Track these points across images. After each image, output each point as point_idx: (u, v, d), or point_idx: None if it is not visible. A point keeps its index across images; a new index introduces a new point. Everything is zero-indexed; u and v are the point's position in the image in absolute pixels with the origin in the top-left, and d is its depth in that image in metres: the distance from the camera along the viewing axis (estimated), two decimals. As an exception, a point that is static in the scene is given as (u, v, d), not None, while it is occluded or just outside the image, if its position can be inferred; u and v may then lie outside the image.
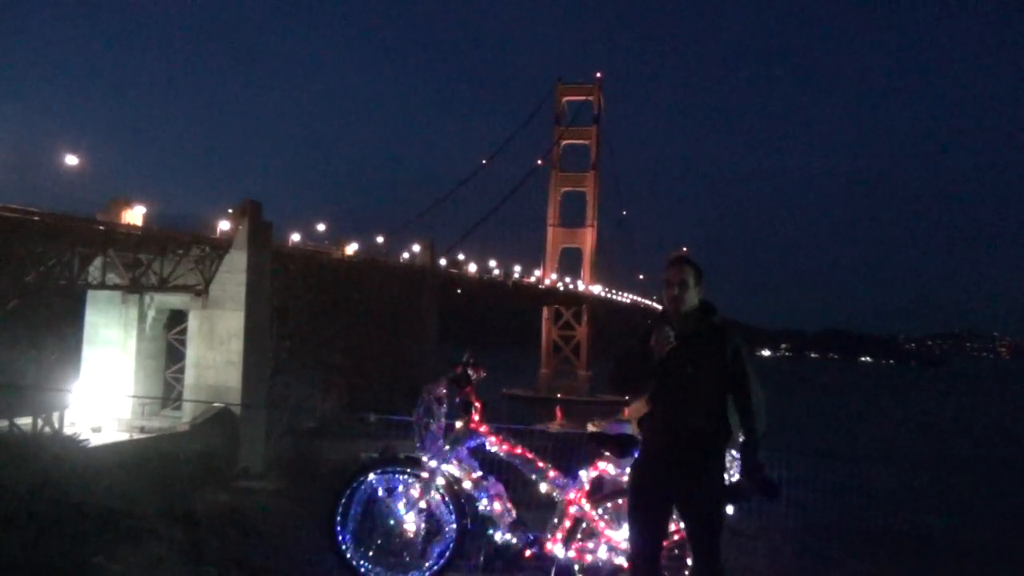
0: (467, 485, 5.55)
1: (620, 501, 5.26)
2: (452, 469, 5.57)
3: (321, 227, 62.03)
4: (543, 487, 5.51)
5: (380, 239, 69.03)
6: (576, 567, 5.41)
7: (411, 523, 5.53)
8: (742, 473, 4.51)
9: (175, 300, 42.39)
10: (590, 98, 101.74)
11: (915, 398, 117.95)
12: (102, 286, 39.46)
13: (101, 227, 38.58)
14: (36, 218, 35.15)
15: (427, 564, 5.51)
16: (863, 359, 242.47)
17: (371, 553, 5.55)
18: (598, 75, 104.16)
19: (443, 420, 5.58)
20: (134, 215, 41.97)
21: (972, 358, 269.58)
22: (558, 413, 79.85)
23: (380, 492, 5.60)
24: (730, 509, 4.76)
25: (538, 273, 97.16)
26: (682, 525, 4.86)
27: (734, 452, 4.67)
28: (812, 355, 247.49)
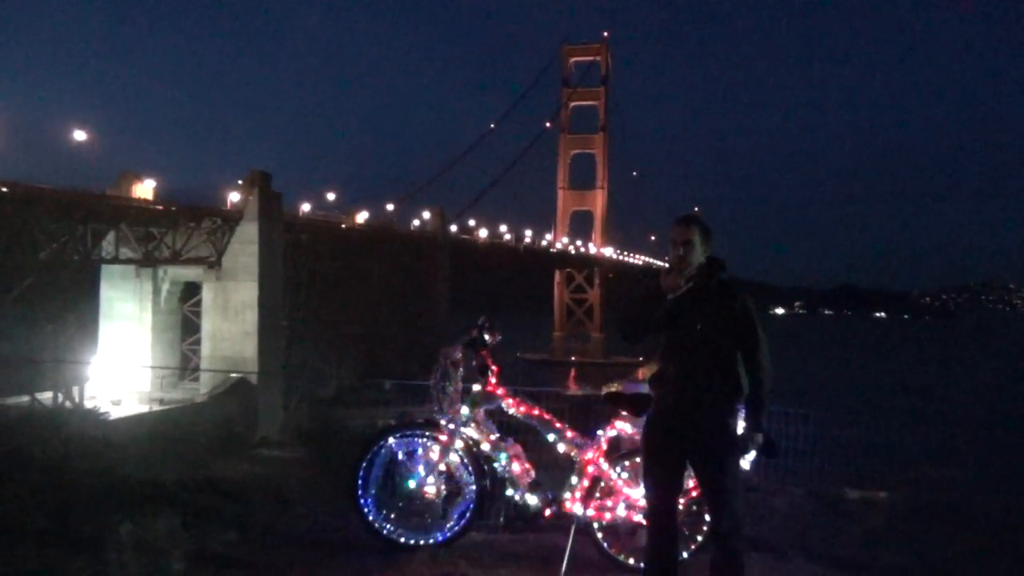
0: (485, 447, 5.59)
1: (638, 460, 5.28)
2: (470, 431, 5.61)
3: (331, 196, 61.87)
4: (561, 447, 5.55)
5: (390, 207, 68.90)
6: (595, 526, 5.46)
7: (431, 485, 5.59)
8: (744, 427, 4.54)
9: (189, 273, 42.57)
10: (597, 58, 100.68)
11: (928, 352, 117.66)
12: (116, 260, 39.65)
13: (112, 202, 38.67)
14: (48, 194, 35.24)
15: (448, 525, 5.59)
16: (877, 315, 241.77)
17: (393, 515, 5.63)
18: (605, 34, 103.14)
19: (460, 384, 5.62)
20: (144, 189, 42.00)
21: (988, 311, 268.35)
22: (572, 378, 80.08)
23: (400, 456, 5.66)
24: (746, 465, 4.78)
25: (549, 237, 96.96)
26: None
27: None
28: (826, 312, 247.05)
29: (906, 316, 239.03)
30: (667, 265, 4.83)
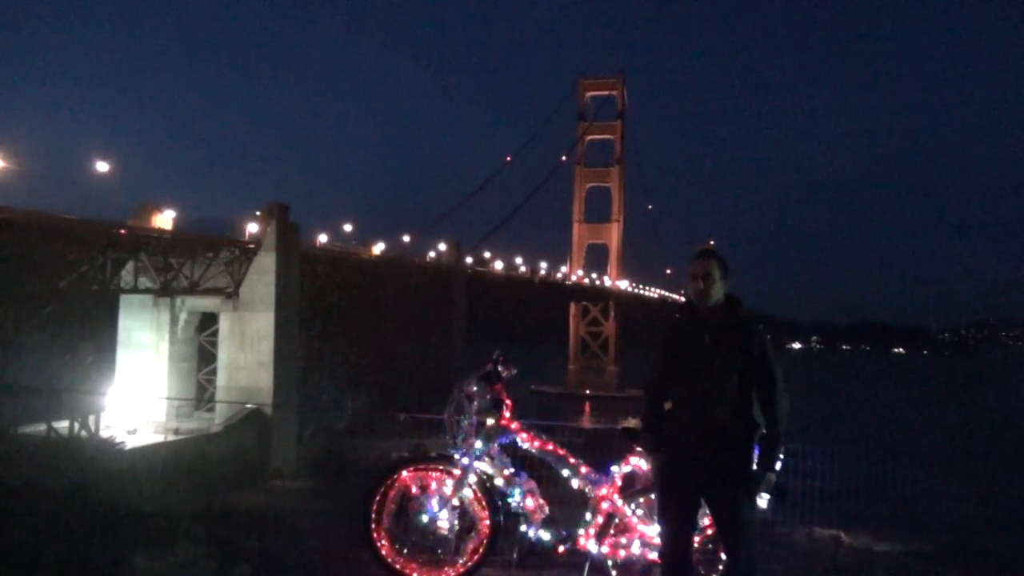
0: (499, 482, 5.57)
1: (652, 496, 5.25)
2: (484, 466, 5.59)
3: (348, 227, 62.32)
4: (575, 483, 5.52)
5: (406, 238, 69.24)
6: (609, 563, 5.41)
7: (444, 520, 5.57)
8: (758, 466, 4.50)
9: (206, 303, 42.80)
10: (613, 92, 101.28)
11: (948, 389, 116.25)
12: (134, 290, 39.93)
13: (132, 232, 39.07)
14: (69, 224, 35.65)
15: (461, 560, 5.55)
16: (896, 350, 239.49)
17: (406, 550, 5.60)
18: (621, 69, 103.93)
19: (474, 417, 5.60)
20: (164, 219, 42.40)
21: (1008, 347, 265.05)
22: (587, 411, 79.64)
23: (413, 490, 5.64)
24: (762, 503, 4.74)
25: (564, 269, 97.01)
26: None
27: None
28: (844, 347, 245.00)
29: (925, 352, 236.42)
30: (684, 299, 4.84)
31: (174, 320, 42.63)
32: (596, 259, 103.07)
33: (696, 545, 5.00)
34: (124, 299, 41.28)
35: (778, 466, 4.57)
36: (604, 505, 5.42)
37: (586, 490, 5.49)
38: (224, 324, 42.65)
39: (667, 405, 4.87)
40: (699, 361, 4.55)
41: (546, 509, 5.53)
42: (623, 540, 5.40)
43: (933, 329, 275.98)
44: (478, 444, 5.57)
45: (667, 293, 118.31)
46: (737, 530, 4.50)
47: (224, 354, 42.44)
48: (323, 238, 57.58)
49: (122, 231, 38.37)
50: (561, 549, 5.43)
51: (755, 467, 4.52)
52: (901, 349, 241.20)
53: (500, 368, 5.60)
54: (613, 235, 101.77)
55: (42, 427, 31.68)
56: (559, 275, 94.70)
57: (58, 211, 36.67)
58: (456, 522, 5.58)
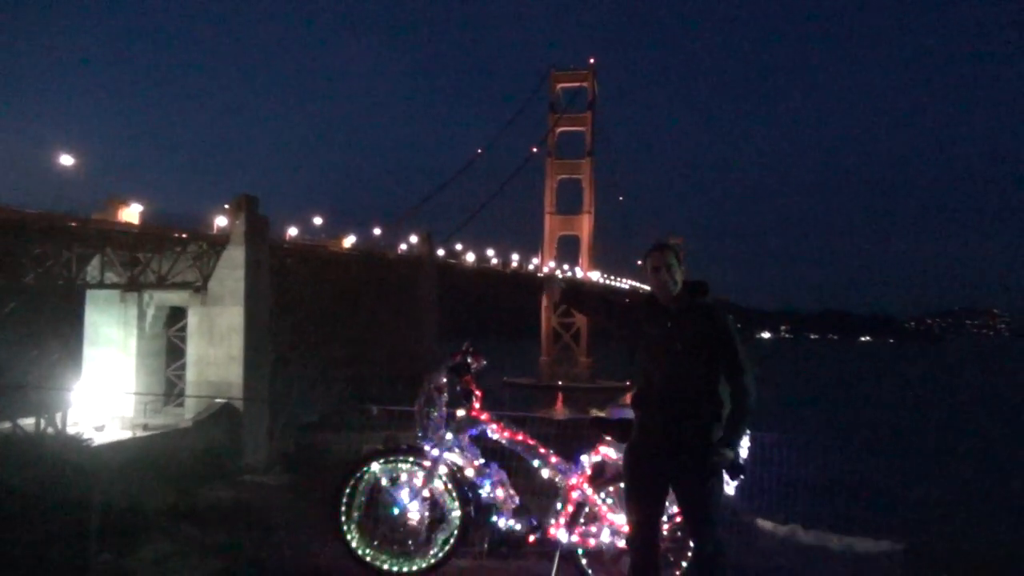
0: (470, 473, 5.58)
1: (622, 485, 5.29)
2: (454, 457, 5.60)
3: (318, 220, 61.88)
4: (545, 473, 5.54)
5: (377, 231, 68.93)
6: (580, 552, 5.44)
7: (415, 511, 5.56)
8: (718, 441, 4.48)
9: (174, 297, 42.34)
10: (584, 84, 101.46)
11: (915, 377, 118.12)
12: (101, 285, 39.39)
13: (97, 226, 38.49)
14: (32, 219, 35.05)
15: (432, 551, 5.55)
16: (863, 339, 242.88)
17: (376, 542, 5.59)
18: (592, 61, 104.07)
19: (444, 409, 5.61)
20: (131, 213, 41.82)
21: (972, 336, 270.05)
22: (559, 401, 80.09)
23: (383, 482, 5.63)
24: (730, 490, 4.79)
25: (536, 261, 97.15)
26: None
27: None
28: (812, 336, 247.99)
29: (891, 340, 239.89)
30: (649, 291, 4.87)
31: (142, 315, 42.13)
32: (568, 251, 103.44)
33: (665, 532, 5.04)
34: (91, 294, 40.72)
35: (744, 446, 4.61)
36: (574, 494, 5.44)
37: (556, 480, 5.51)
38: (193, 319, 42.23)
39: (629, 397, 4.91)
40: (662, 348, 4.59)
41: (516, 499, 5.54)
42: (593, 529, 5.43)
43: (900, 319, 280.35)
44: (448, 435, 5.57)
45: (638, 284, 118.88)
46: (703, 516, 4.54)
47: (193, 349, 42.04)
48: (293, 231, 57.12)
49: (88, 225, 37.79)
50: (531, 539, 5.44)
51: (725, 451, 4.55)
52: (867, 337, 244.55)
53: (469, 359, 5.60)
54: (584, 227, 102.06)
55: (7, 424, 31.21)
56: (531, 267, 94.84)
57: (22, 205, 36.05)
58: (427, 514, 5.58)
